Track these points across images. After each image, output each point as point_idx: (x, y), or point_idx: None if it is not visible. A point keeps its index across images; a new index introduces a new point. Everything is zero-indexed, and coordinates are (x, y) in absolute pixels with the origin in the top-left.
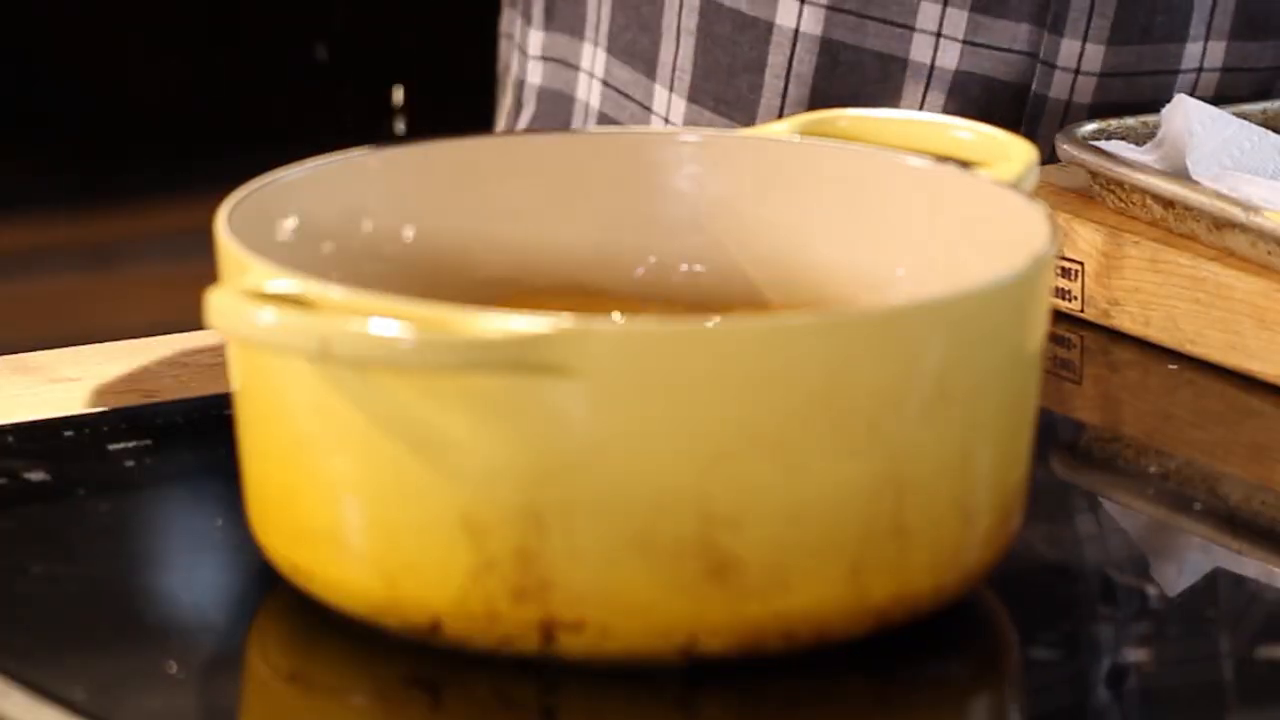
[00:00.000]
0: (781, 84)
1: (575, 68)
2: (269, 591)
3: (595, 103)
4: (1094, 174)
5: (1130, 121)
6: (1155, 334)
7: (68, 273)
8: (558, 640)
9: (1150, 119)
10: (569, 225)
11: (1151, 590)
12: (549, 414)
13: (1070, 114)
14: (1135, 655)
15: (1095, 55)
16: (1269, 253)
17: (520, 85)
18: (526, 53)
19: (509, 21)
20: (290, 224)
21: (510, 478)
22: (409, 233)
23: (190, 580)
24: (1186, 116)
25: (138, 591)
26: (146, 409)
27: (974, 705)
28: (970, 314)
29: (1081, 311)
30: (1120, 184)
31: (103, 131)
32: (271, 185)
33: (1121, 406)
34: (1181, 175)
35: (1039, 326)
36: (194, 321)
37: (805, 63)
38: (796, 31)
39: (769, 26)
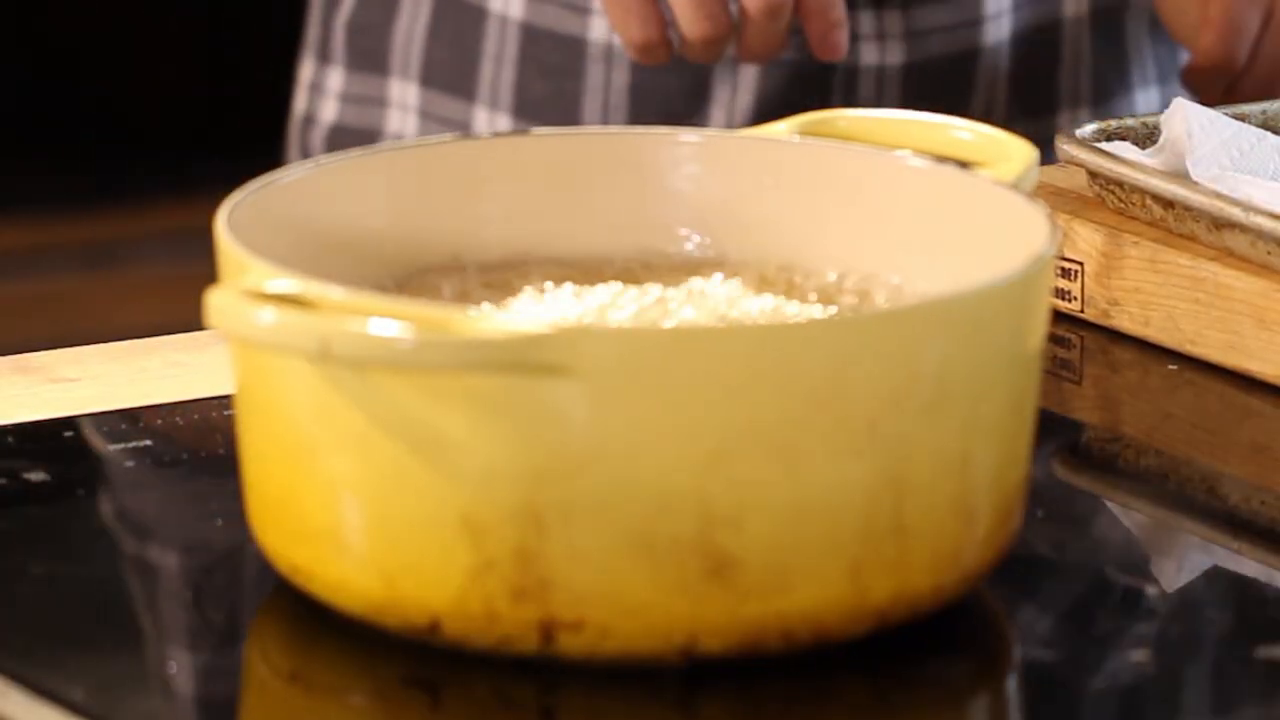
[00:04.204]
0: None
1: (382, 103)
2: (269, 591)
3: (411, 133)
4: (1094, 174)
5: (1131, 122)
6: (1155, 334)
7: (68, 273)
8: (557, 640)
9: (1150, 119)
10: (568, 225)
11: (1151, 590)
12: (549, 414)
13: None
14: (1135, 655)
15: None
16: (1269, 253)
17: (310, 122)
18: (324, 91)
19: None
20: (290, 224)
21: (510, 478)
22: (408, 233)
23: (190, 580)
24: (1186, 119)
25: (138, 591)
26: (146, 409)
27: (974, 705)
28: (970, 314)
29: (1081, 311)
30: (1120, 184)
31: (103, 131)
32: (271, 185)
33: (1121, 406)
34: (1181, 176)
35: (1039, 326)
36: (194, 321)
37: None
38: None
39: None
